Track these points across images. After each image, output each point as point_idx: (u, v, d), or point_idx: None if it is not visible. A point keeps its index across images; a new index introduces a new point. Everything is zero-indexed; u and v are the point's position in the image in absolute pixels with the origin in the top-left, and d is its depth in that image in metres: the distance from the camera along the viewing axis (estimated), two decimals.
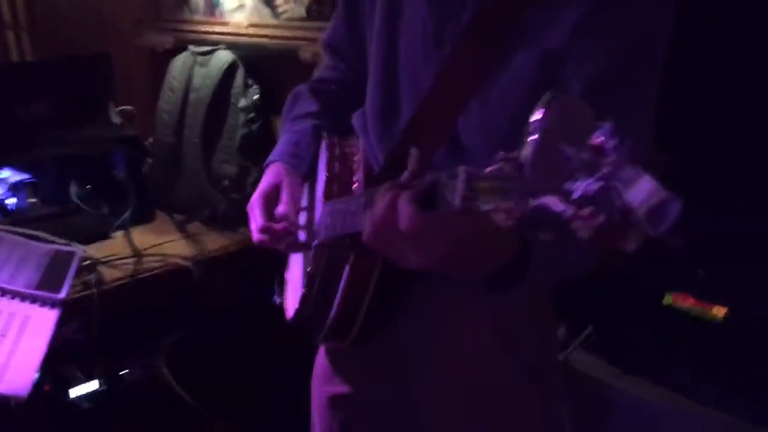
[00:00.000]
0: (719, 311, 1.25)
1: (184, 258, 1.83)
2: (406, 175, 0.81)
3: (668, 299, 1.30)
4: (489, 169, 0.63)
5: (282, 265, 1.31)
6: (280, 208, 1.12)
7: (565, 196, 0.54)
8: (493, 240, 0.72)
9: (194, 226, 2.04)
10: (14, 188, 1.99)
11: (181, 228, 2.02)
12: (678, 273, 1.25)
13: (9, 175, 2.02)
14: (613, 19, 0.85)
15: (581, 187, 0.53)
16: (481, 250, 0.77)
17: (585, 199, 0.53)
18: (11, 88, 1.95)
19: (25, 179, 2.01)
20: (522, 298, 1.02)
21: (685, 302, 1.25)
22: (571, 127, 0.58)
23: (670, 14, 0.88)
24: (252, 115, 2.08)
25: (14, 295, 1.25)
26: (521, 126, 0.91)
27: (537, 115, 0.60)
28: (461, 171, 0.68)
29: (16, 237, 1.48)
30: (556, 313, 1.13)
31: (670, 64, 0.88)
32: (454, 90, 0.96)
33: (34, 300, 1.26)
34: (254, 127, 2.09)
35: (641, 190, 0.51)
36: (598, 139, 0.54)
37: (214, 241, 1.95)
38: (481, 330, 1.05)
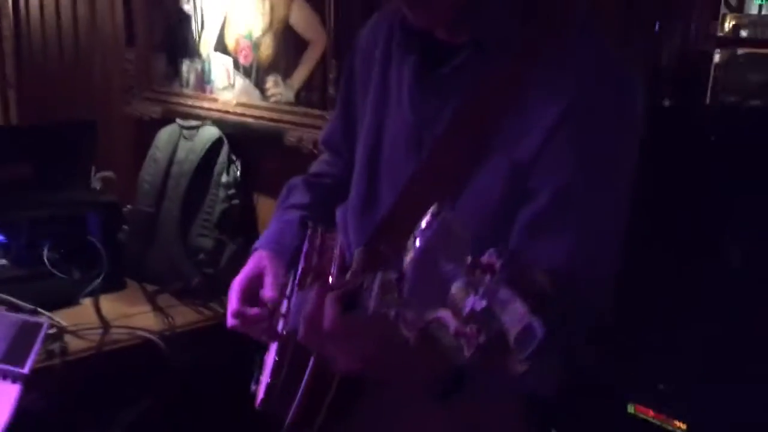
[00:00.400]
0: (682, 424, 1.27)
1: (152, 332, 1.81)
2: (348, 274, 0.84)
3: (631, 408, 1.32)
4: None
5: (260, 349, 1.32)
6: (267, 293, 1.14)
7: (458, 311, 0.56)
8: (415, 349, 0.68)
9: (164, 298, 2.03)
10: None
11: (151, 299, 2.00)
12: (639, 386, 1.28)
13: None
14: (581, 135, 0.90)
15: (470, 303, 0.55)
16: (403, 358, 0.78)
17: (472, 316, 0.54)
18: None
19: None
20: (487, 404, 1.02)
21: (647, 414, 1.27)
22: (452, 244, 0.60)
23: (636, 137, 0.93)
24: (233, 191, 2.11)
25: None
26: (491, 231, 0.95)
27: (422, 225, 0.62)
28: (378, 277, 0.70)
29: None
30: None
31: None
32: (428, 189, 1.00)
33: None
34: (234, 202, 2.12)
35: (513, 314, 0.53)
36: (488, 258, 0.56)
37: (183, 316, 1.93)
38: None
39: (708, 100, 1.34)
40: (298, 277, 1.13)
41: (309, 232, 1.22)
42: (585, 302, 0.87)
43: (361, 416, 1.04)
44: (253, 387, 1.27)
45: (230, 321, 1.15)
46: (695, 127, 1.32)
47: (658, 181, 1.21)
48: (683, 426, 1.25)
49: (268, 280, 1.15)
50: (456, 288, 0.56)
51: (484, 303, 0.54)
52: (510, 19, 0.96)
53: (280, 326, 1.18)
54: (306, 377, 1.01)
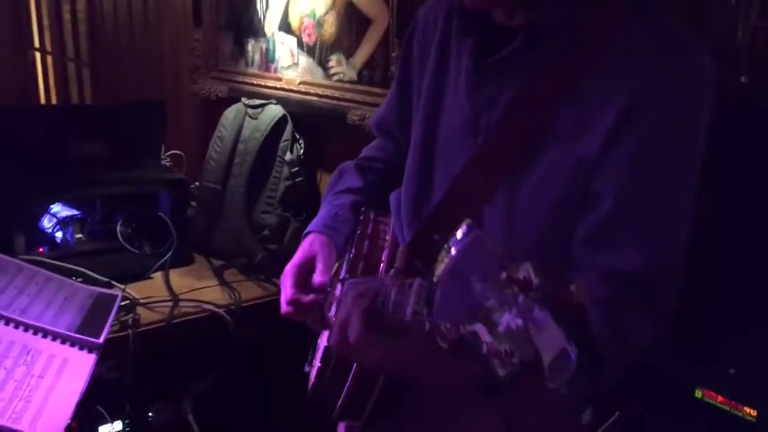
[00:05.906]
0: (752, 411, 1.23)
1: (219, 306, 1.86)
2: (392, 272, 0.84)
3: (699, 393, 1.28)
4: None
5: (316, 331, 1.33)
6: (317, 278, 1.12)
7: (493, 327, 0.54)
8: (450, 360, 0.64)
9: (231, 273, 2.08)
10: (63, 223, 2.06)
11: (218, 274, 2.06)
12: (709, 371, 1.24)
13: (59, 209, 2.09)
14: (644, 134, 0.86)
15: (506, 321, 0.53)
16: (436, 367, 0.78)
17: (508, 335, 0.53)
18: (69, 128, 2.03)
19: (73, 215, 2.08)
20: (534, 406, 0.99)
21: (715, 399, 1.24)
22: (482, 261, 0.58)
23: (703, 131, 0.88)
24: (296, 168, 2.14)
25: (55, 336, 1.29)
26: (547, 226, 0.93)
27: (457, 235, 0.61)
28: (416, 285, 0.69)
29: (62, 277, 1.53)
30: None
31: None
32: (482, 179, 0.98)
33: (73, 343, 1.30)
34: (298, 180, 2.14)
35: (548, 337, 0.51)
36: (525, 274, 0.54)
37: (249, 291, 1.98)
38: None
39: None
40: (349, 264, 1.13)
41: (361, 216, 1.21)
42: (656, 306, 0.86)
43: (410, 411, 1.04)
44: (306, 368, 1.27)
45: (284, 308, 1.13)
46: None
47: (734, 160, 1.16)
48: (753, 413, 1.22)
49: (319, 266, 1.14)
50: (491, 303, 0.54)
51: (520, 322, 0.52)
52: (572, 5, 0.91)
53: (332, 312, 1.18)
54: (354, 368, 1.00)
